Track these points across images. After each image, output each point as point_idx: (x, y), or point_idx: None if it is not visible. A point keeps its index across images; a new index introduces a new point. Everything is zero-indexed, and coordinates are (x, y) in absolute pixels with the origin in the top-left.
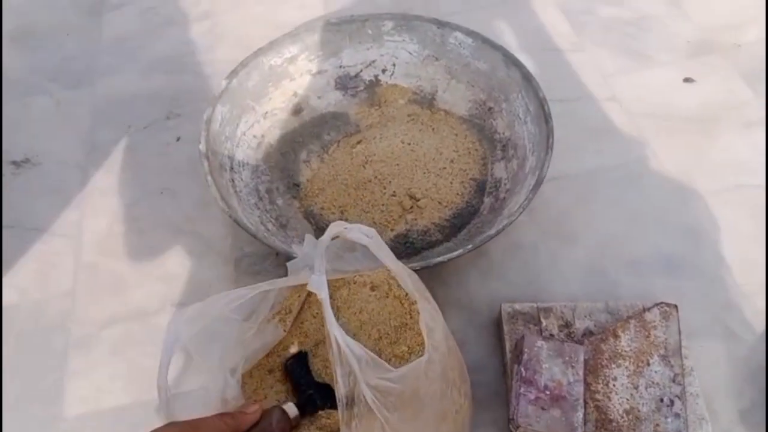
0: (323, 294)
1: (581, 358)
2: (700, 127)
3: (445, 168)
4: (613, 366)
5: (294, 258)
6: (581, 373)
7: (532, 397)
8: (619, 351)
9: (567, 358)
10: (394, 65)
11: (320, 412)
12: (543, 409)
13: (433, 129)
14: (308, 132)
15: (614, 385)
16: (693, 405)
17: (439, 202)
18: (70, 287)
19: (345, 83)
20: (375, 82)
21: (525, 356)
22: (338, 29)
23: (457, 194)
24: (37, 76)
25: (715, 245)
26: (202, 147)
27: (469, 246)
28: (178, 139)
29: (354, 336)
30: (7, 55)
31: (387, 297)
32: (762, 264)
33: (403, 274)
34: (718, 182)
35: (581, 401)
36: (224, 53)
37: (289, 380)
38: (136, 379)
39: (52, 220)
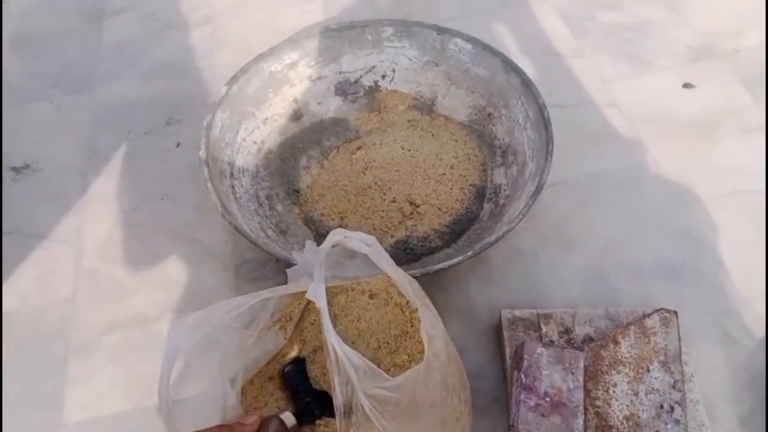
0: (321, 303)
1: (581, 365)
2: (700, 132)
3: (444, 174)
4: (613, 372)
5: (294, 264)
6: (581, 379)
7: (532, 403)
8: (619, 357)
9: (567, 365)
10: (393, 71)
11: (318, 421)
12: (543, 415)
13: (432, 135)
14: (308, 138)
15: (614, 392)
16: (693, 411)
17: (439, 208)
18: (70, 293)
19: (345, 89)
20: (375, 88)
21: (525, 363)
22: (338, 35)
23: (457, 200)
24: (37, 82)
25: (715, 250)
26: (202, 154)
27: (469, 253)
28: (178, 145)
29: (352, 344)
30: (7, 61)
31: (387, 305)
32: (762, 269)
33: (404, 281)
34: (718, 187)
35: (581, 408)
36: (224, 59)
37: (287, 387)
38: (135, 385)
39: (52, 226)
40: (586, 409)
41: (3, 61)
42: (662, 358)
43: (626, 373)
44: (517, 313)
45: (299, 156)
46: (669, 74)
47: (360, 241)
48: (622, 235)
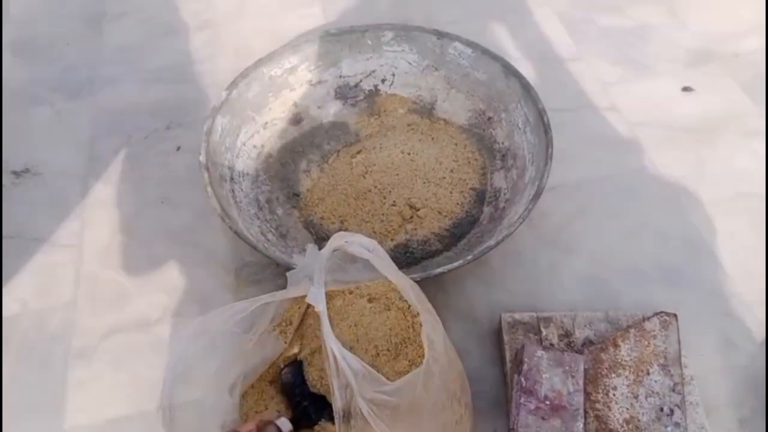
0: (321, 307)
1: (581, 368)
2: (700, 136)
3: (444, 178)
4: (613, 375)
5: (294, 268)
6: (581, 382)
7: (533, 407)
8: (619, 360)
9: (567, 368)
10: (393, 75)
11: (316, 427)
12: (543, 419)
13: (432, 138)
14: (308, 142)
15: (614, 395)
16: (693, 414)
17: (439, 212)
18: (70, 297)
19: (345, 93)
20: (374, 92)
21: (525, 366)
22: (338, 39)
23: (457, 204)
24: (37, 87)
25: (715, 254)
26: (202, 158)
27: (469, 256)
28: (178, 149)
29: (350, 350)
30: (7, 66)
31: (388, 310)
32: (762, 273)
33: (406, 286)
34: (718, 191)
35: (581, 411)
36: (224, 63)
37: (284, 390)
38: (137, 389)
39: (52, 230)
40: (586, 412)
41: (4, 66)
42: (662, 361)
43: (626, 376)
44: (517, 316)
45: (299, 160)
46: (669, 78)
47: (361, 246)
48: (622, 238)
